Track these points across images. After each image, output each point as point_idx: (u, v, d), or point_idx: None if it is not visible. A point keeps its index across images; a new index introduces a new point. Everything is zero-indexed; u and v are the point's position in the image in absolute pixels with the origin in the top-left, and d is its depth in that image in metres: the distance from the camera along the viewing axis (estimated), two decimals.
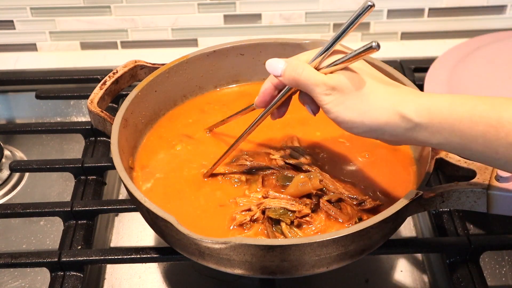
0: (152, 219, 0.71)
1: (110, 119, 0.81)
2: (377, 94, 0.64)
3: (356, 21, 0.66)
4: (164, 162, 0.84)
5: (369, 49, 0.63)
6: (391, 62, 0.94)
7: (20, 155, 1.09)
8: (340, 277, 0.85)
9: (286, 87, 0.71)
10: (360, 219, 0.74)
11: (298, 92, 0.72)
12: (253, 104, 0.76)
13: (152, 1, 1.20)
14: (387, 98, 0.64)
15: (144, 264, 0.88)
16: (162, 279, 0.86)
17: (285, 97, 0.72)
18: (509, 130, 0.57)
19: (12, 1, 1.19)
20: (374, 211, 0.74)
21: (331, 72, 0.66)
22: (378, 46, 0.62)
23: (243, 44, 0.94)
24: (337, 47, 0.69)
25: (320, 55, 0.68)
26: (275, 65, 0.68)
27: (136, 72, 0.90)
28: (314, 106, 0.71)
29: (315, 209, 0.75)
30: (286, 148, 0.84)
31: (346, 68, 0.66)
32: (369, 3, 0.64)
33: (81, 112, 1.19)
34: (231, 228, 0.74)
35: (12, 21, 1.22)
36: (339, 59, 0.66)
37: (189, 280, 0.86)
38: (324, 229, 0.73)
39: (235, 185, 0.80)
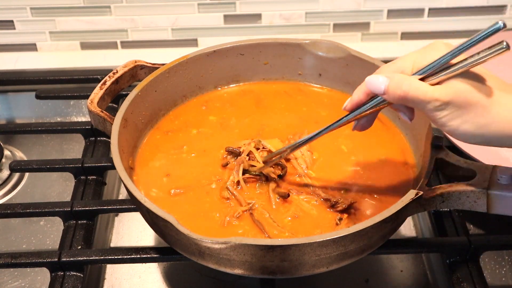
0: (152, 219, 0.71)
1: (110, 119, 0.81)
2: (499, 104, 0.58)
3: (480, 41, 0.57)
4: (164, 162, 0.84)
5: (498, 51, 0.55)
6: None
7: (20, 155, 1.09)
8: (340, 277, 0.85)
9: (379, 98, 0.65)
10: (340, 219, 0.74)
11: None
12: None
13: (152, 1, 1.20)
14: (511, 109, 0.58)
15: (144, 264, 0.88)
16: (162, 279, 0.86)
17: (376, 108, 0.67)
18: None
19: (12, 1, 1.19)
20: (349, 209, 0.76)
21: (440, 81, 0.59)
22: (508, 47, 0.55)
23: (243, 44, 0.94)
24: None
25: (430, 69, 0.61)
26: (376, 83, 0.62)
27: (136, 72, 0.90)
28: (410, 113, 0.66)
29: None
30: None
31: (456, 80, 0.59)
32: (500, 24, 0.55)
33: (81, 112, 1.19)
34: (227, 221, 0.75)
35: (12, 21, 1.22)
36: (449, 66, 0.59)
37: (189, 280, 0.86)
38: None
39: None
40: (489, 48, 0.56)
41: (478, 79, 0.59)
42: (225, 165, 0.82)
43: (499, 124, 0.58)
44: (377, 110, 0.68)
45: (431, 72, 0.61)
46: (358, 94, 0.67)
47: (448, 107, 0.59)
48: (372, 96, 0.66)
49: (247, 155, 0.82)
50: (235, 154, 0.83)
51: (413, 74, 0.62)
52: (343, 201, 0.76)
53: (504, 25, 0.55)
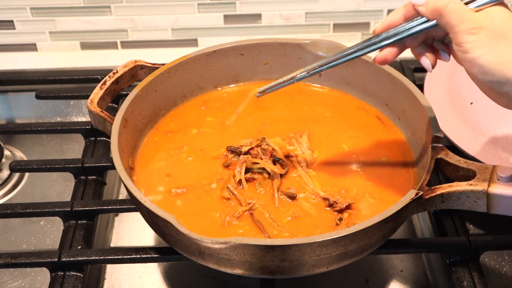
0: (152, 219, 0.71)
1: (110, 119, 0.81)
2: None
3: None
4: (164, 162, 0.84)
5: None
6: None
7: (20, 155, 1.09)
8: (340, 277, 0.85)
9: (418, 21, 0.65)
10: (341, 220, 0.74)
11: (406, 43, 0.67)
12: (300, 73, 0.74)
13: (152, 1, 1.20)
14: None
15: (144, 264, 0.88)
16: (162, 279, 0.86)
17: (406, 37, 0.66)
18: None
19: (12, 1, 1.19)
20: (347, 210, 0.76)
21: (478, 10, 0.61)
22: None
23: (243, 44, 0.94)
24: None
25: None
26: None
27: (136, 72, 0.90)
28: (433, 59, 0.67)
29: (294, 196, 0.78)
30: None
31: (495, 8, 0.61)
32: None
33: (81, 112, 1.19)
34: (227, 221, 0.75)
35: (12, 21, 1.22)
36: None
37: (189, 280, 0.86)
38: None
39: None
40: None
41: (510, 16, 0.60)
42: (227, 166, 0.82)
43: None
44: (403, 39, 0.67)
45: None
46: (394, 15, 0.67)
47: (480, 32, 0.59)
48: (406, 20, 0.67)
49: (249, 153, 0.82)
50: (237, 153, 0.83)
51: None
52: (341, 201, 0.76)
53: None
